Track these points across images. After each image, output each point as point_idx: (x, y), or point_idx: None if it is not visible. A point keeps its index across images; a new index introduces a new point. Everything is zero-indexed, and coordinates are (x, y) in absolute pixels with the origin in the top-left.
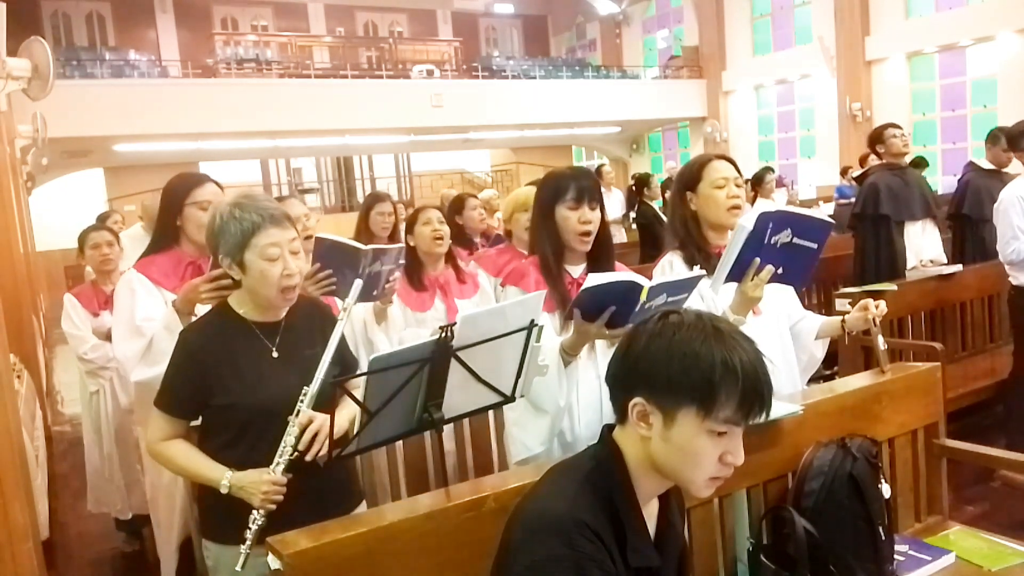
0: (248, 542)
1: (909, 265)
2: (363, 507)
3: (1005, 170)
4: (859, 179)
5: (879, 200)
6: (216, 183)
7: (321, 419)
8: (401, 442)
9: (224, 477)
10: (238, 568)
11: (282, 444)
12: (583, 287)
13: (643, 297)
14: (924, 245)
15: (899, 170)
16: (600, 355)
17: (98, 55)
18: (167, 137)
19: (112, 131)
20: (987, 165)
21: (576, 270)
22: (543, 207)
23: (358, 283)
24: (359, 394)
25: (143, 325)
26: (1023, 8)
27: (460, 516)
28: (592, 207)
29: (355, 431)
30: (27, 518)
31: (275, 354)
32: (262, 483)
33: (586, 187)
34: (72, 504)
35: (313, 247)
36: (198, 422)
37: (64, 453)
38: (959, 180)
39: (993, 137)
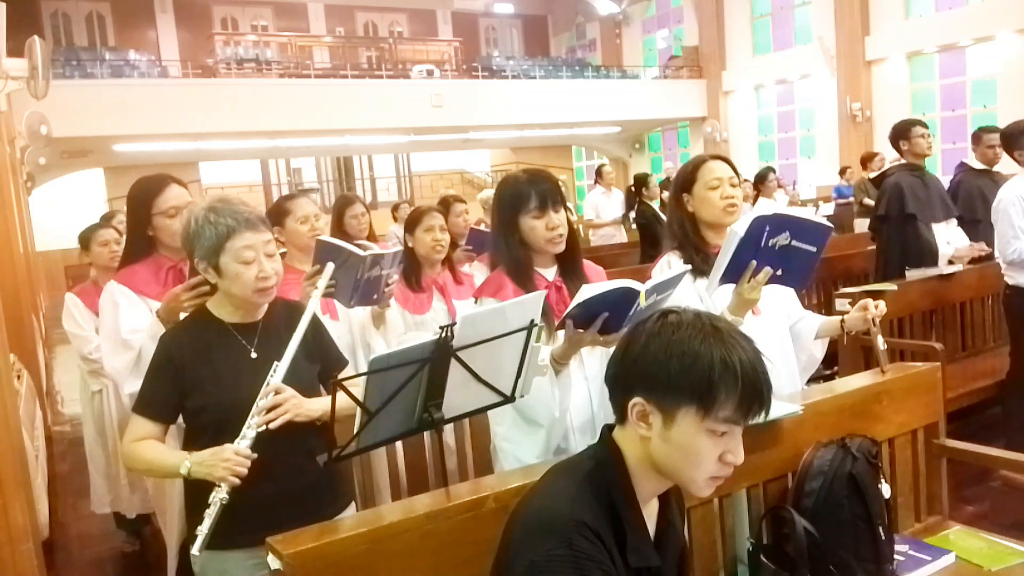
0: (207, 520)
1: (942, 259)
2: (351, 509)
3: (997, 168)
4: (877, 180)
5: (904, 200)
6: (179, 182)
7: (292, 392)
8: (401, 442)
9: (184, 460)
10: (194, 551)
11: (249, 416)
12: (579, 300)
13: (642, 301)
14: (951, 242)
15: (919, 171)
16: (586, 357)
17: (98, 55)
18: (167, 137)
19: (112, 131)
20: (977, 165)
21: (549, 273)
22: (504, 219)
23: (330, 266)
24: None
25: (130, 338)
26: (1023, 8)
27: (460, 516)
28: (556, 210)
29: (355, 430)
30: (27, 518)
31: (254, 354)
32: (224, 451)
33: (547, 191)
34: (72, 504)
35: (314, 248)
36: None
37: (64, 453)
38: (951, 181)
39: (975, 137)
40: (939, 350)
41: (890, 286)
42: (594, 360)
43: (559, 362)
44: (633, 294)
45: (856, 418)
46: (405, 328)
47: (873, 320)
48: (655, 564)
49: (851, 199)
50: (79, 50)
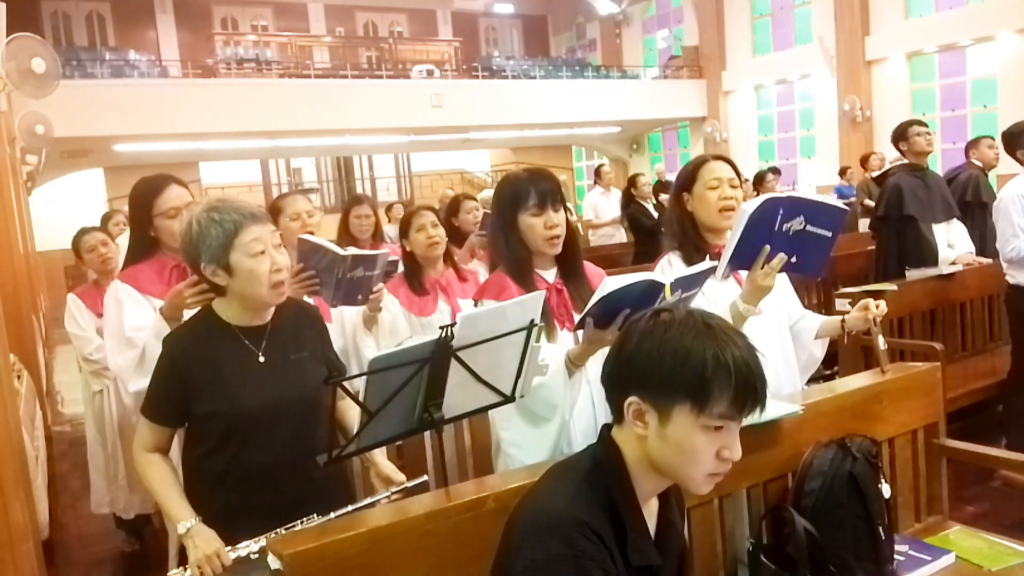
0: None
1: (943, 257)
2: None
3: (998, 168)
4: (879, 179)
5: (903, 201)
6: (179, 182)
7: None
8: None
9: (186, 523)
10: None
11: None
12: (601, 294)
13: (668, 295)
14: (954, 242)
15: (920, 171)
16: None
17: (98, 55)
18: (167, 137)
19: (112, 131)
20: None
21: (549, 275)
22: (504, 217)
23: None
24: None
25: (133, 335)
26: (1023, 8)
27: (460, 516)
28: (556, 209)
29: (355, 430)
30: (27, 518)
31: (261, 358)
32: (209, 547)
33: (547, 190)
34: (72, 504)
35: (297, 247)
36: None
37: (64, 453)
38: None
39: (1006, 140)
40: (939, 350)
41: (890, 286)
42: (595, 363)
43: (575, 363)
44: (657, 288)
45: (856, 418)
46: (411, 331)
47: (873, 320)
48: (656, 563)
49: (852, 199)
50: (79, 50)
